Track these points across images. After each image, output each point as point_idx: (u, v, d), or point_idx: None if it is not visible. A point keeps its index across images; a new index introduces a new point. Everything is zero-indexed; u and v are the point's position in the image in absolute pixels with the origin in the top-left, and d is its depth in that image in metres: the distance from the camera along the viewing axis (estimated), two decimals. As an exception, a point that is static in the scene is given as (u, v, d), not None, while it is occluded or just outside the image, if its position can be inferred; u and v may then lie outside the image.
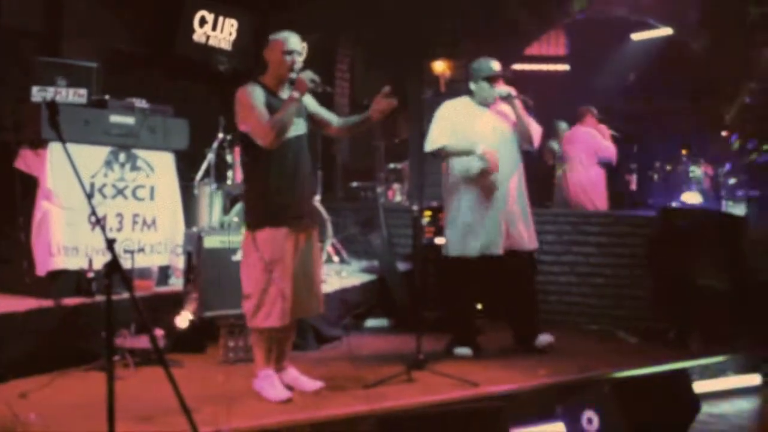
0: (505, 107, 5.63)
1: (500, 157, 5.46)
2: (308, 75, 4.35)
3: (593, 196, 8.24)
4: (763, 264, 6.18)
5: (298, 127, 4.43)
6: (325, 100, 4.77)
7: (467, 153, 5.46)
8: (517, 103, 5.53)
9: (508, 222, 5.51)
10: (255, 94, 4.33)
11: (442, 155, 5.64)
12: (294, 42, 4.44)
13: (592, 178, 8.30)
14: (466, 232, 5.52)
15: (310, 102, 4.62)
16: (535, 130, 5.64)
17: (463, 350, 5.56)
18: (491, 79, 5.56)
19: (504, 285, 5.70)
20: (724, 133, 9.60)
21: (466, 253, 5.53)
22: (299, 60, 4.44)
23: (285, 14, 8.95)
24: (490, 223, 5.48)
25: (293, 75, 4.40)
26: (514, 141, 5.63)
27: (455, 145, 5.50)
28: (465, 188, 5.55)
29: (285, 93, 4.43)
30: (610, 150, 8.30)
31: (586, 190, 8.26)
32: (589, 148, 8.29)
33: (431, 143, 5.59)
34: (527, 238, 5.62)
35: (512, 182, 5.57)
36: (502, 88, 5.55)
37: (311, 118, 4.59)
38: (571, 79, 13.14)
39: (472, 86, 5.64)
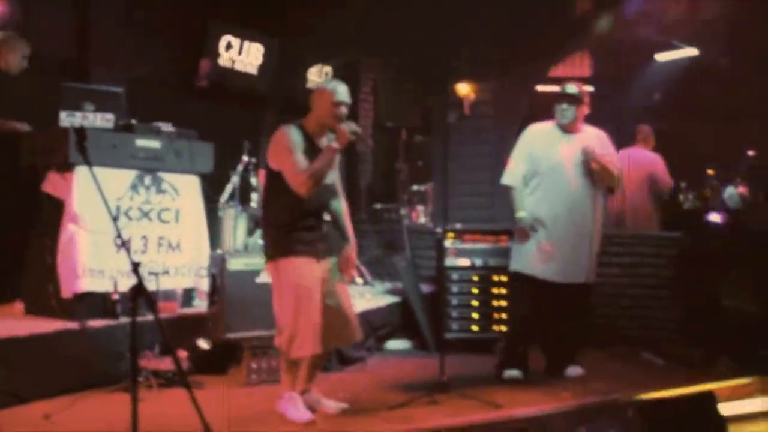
0: (593, 140, 5.47)
1: (576, 185, 5.36)
2: (351, 127, 4.34)
3: (649, 226, 7.70)
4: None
5: (330, 176, 4.41)
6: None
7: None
8: (598, 158, 5.34)
9: (572, 251, 5.36)
10: (295, 139, 4.29)
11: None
12: (343, 93, 4.41)
13: (647, 207, 7.76)
14: (529, 251, 5.41)
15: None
16: (617, 182, 5.54)
17: (513, 372, 5.44)
18: (559, 98, 5.43)
19: (549, 313, 5.51)
20: (750, 153, 9.52)
21: (524, 270, 5.44)
22: (345, 111, 4.42)
23: (310, 38, 9.03)
24: (555, 249, 5.33)
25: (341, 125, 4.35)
26: (592, 175, 5.42)
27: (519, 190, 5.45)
28: (535, 210, 5.41)
29: (323, 141, 4.42)
30: (670, 183, 7.81)
31: (642, 220, 7.71)
32: (654, 174, 7.74)
33: (505, 177, 5.53)
34: (587, 271, 5.45)
35: (585, 212, 5.40)
36: (589, 151, 5.33)
37: None
38: (595, 100, 13.11)
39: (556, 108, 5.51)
